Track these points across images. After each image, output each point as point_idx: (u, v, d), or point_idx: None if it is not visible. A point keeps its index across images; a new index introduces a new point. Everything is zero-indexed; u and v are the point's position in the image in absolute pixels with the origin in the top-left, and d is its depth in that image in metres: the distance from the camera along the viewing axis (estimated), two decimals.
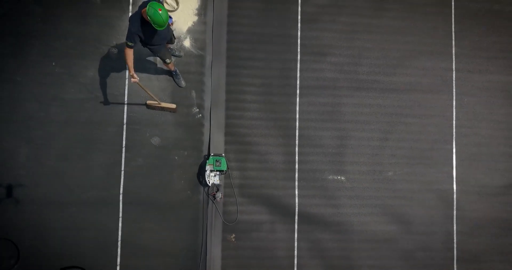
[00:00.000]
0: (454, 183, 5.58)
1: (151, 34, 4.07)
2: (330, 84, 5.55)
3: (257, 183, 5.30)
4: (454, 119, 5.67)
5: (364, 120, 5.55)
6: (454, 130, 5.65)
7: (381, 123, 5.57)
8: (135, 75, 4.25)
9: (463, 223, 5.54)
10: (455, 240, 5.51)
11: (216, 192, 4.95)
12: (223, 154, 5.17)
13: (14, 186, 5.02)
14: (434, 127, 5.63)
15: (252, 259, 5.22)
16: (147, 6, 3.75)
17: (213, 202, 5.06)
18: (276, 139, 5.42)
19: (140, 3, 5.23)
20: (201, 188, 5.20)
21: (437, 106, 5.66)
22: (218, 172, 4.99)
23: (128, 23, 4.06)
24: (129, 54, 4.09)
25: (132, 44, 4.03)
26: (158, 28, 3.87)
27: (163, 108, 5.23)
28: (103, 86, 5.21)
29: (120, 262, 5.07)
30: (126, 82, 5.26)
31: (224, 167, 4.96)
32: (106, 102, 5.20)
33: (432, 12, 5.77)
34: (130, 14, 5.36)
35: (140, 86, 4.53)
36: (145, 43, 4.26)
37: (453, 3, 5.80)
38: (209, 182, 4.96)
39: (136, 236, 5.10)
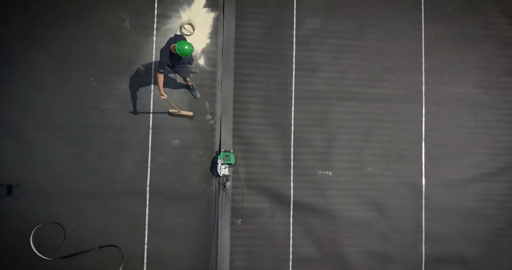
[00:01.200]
0: (423, 177, 6.71)
1: (177, 61, 5.20)
2: (320, 95, 6.67)
3: (259, 177, 6.43)
4: (423, 124, 6.79)
5: (348, 125, 6.67)
6: (423, 133, 6.78)
7: (363, 127, 6.69)
8: (164, 94, 5.38)
9: (430, 210, 6.66)
10: (423, 225, 6.64)
11: (226, 181, 6.10)
12: (231, 151, 6.30)
13: (61, 180, 6.15)
14: (407, 131, 6.75)
15: (255, 239, 6.35)
16: (176, 44, 4.88)
17: (223, 189, 6.19)
18: (275, 141, 6.54)
19: (163, 29, 6.42)
20: (214, 180, 6.33)
21: (409, 113, 6.78)
22: (227, 165, 6.12)
23: (159, 54, 5.18)
24: (160, 78, 5.23)
25: (163, 71, 5.17)
26: (184, 57, 5.01)
27: (182, 115, 6.35)
28: (133, 97, 6.33)
29: (147, 241, 6.19)
30: (152, 94, 6.39)
31: (232, 161, 6.10)
32: (135, 110, 6.32)
33: (405, 35, 6.89)
34: (154, 37, 6.49)
35: (167, 101, 5.66)
36: (170, 67, 5.40)
37: (423, 27, 6.93)
38: (220, 173, 6.10)
39: (160, 220, 6.22)
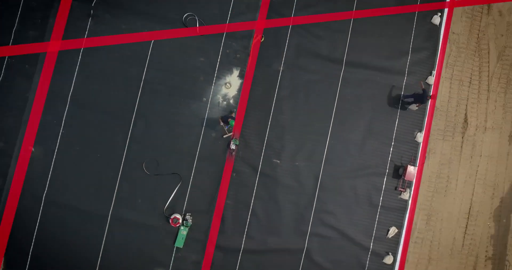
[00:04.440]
0: (321, 169, 14.24)
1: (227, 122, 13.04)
2: (283, 125, 14.29)
3: (247, 157, 14.14)
4: (327, 144, 14.30)
5: (291, 141, 14.27)
6: (326, 148, 14.29)
7: (296, 143, 14.27)
8: (223, 124, 13.35)
9: (322, 189, 14.19)
10: (316, 194, 14.19)
11: (233, 152, 13.90)
12: (238, 139, 14.04)
13: (161, 146, 14.10)
14: (318, 146, 14.29)
15: (239, 185, 14.08)
16: (230, 121, 12.73)
17: (230, 156, 13.99)
18: (258, 145, 14.23)
19: (217, 83, 14.26)
20: (227, 151, 14.09)
21: (320, 138, 14.32)
22: (235, 144, 13.89)
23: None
24: (220, 121, 13.13)
25: (221, 120, 13.06)
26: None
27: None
28: (198, 114, 14.19)
29: (192, 176, 14.10)
30: (206, 114, 14.22)
31: (237, 142, 13.85)
32: (198, 120, 14.18)
33: (326, 100, 14.37)
34: (213, 86, 14.28)
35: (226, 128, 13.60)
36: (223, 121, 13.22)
37: (337, 93, 14.38)
38: (230, 147, 13.88)
39: (200, 168, 14.04)
